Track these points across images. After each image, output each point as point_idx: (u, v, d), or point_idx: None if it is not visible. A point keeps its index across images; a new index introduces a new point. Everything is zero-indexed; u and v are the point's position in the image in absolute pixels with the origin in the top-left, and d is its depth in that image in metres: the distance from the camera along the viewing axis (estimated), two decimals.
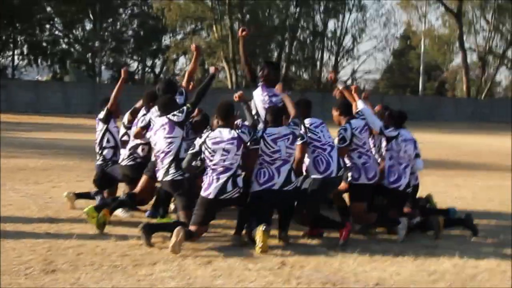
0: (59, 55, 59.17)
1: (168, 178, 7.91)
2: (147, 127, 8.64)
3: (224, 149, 7.50)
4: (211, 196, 7.46)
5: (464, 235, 8.60)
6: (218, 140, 7.54)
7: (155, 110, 8.60)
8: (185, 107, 8.12)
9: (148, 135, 8.41)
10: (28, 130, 27.13)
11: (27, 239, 7.62)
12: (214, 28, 55.87)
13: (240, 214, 7.84)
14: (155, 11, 55.08)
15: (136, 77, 64.73)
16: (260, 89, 8.65)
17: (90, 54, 59.09)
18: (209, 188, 7.49)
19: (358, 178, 8.42)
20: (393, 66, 70.50)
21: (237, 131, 7.61)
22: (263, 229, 7.32)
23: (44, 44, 58.38)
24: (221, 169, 7.50)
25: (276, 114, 7.97)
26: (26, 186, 11.68)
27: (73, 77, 56.26)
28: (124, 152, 9.15)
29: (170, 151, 7.92)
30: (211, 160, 7.53)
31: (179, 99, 8.64)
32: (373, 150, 9.03)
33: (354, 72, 66.48)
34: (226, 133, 7.57)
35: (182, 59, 66.56)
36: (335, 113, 8.71)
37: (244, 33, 9.04)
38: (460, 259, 7.24)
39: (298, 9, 59.36)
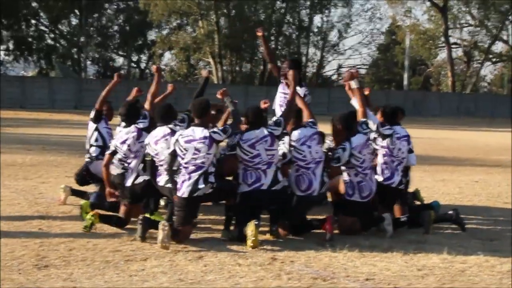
0: (45, 50, 58.90)
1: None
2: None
3: (195, 148, 7.48)
4: (185, 195, 7.49)
5: (452, 231, 8.69)
6: (190, 138, 7.55)
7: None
8: (185, 116, 8.20)
9: (148, 141, 8.13)
10: (15, 126, 27.04)
11: (19, 235, 7.65)
12: (200, 23, 55.78)
13: (227, 209, 7.89)
14: (141, 6, 54.86)
15: (122, 72, 64.53)
16: (280, 87, 8.73)
17: (75, 49, 58.87)
18: (182, 187, 7.52)
19: (351, 195, 8.31)
20: (378, 61, 70.68)
21: (209, 130, 7.59)
22: (255, 223, 7.37)
23: (30, 39, 58.10)
24: (193, 167, 7.49)
25: (254, 116, 7.87)
26: (16, 182, 11.68)
27: (59, 73, 56.04)
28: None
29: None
30: (182, 159, 7.54)
31: (143, 123, 8.38)
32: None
33: (340, 67, 66.61)
34: (198, 132, 7.56)
35: (167, 55, 66.52)
36: (338, 126, 8.62)
37: (260, 33, 9.04)
38: (448, 254, 7.31)
39: (284, 4, 59.38)
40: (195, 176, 7.49)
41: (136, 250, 7.09)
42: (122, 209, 8.32)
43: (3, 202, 9.64)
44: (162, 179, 7.98)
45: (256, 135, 7.73)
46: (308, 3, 61.11)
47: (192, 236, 7.85)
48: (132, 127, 8.34)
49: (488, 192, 12.39)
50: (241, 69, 61.83)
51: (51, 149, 16.19)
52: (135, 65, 67.57)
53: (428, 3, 60.73)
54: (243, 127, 8.01)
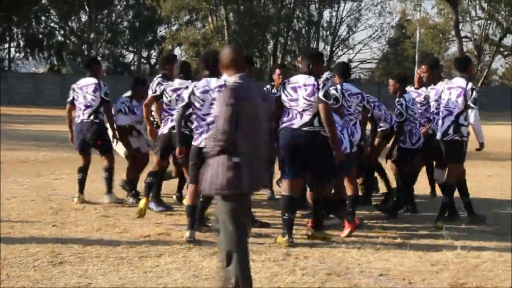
0: (55, 47, 59.03)
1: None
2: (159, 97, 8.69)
3: (212, 98, 7.45)
4: (202, 145, 7.25)
5: (465, 225, 8.67)
6: (206, 89, 7.54)
7: (178, 82, 8.52)
8: None
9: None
10: (27, 123, 27.12)
11: (33, 231, 7.70)
12: (210, 19, 55.73)
13: None
14: (150, 2, 54.87)
15: (132, 68, 64.62)
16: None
17: (85, 45, 58.97)
18: (199, 138, 7.49)
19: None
20: (389, 55, 70.46)
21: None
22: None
23: (40, 36, 58.24)
24: (211, 118, 7.32)
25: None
26: (29, 179, 11.73)
27: (70, 69, 56.15)
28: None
29: None
30: (200, 110, 7.52)
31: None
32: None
33: (349, 61, 66.48)
34: (213, 82, 7.54)
35: (177, 50, 66.51)
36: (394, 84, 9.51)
37: None
38: (462, 249, 7.30)
39: None
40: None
41: (150, 247, 7.11)
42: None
43: (17, 199, 9.68)
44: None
45: (297, 80, 7.63)
46: None
47: (207, 232, 7.87)
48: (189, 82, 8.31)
49: (503, 186, 12.34)
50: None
51: (64, 146, 16.17)
52: (145, 61, 67.63)
53: None
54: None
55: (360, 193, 9.27)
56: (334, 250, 7.17)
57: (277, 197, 10.04)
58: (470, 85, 8.66)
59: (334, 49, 62.85)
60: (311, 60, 7.70)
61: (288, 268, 6.46)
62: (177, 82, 8.60)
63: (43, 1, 56.94)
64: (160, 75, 9.17)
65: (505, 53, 65.70)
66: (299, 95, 7.52)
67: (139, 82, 10.31)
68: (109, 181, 9.66)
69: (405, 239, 7.79)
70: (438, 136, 8.72)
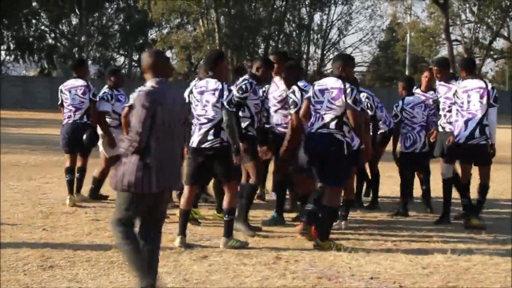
0: (46, 50, 58.91)
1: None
2: None
3: (206, 100, 7.51)
4: (193, 145, 7.46)
5: (455, 228, 8.70)
6: (203, 89, 7.57)
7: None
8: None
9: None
10: (18, 126, 27.02)
11: (23, 235, 7.67)
12: (201, 22, 55.73)
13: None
14: (141, 5, 54.82)
15: (123, 71, 64.53)
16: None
17: (76, 49, 58.85)
18: (193, 137, 7.54)
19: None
20: (379, 58, 70.64)
21: (224, 83, 7.50)
22: None
23: (31, 39, 58.10)
24: (204, 120, 7.45)
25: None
26: (19, 182, 11.69)
27: (60, 72, 56.03)
28: None
29: None
30: (195, 110, 7.57)
31: None
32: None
33: None
34: (212, 84, 7.53)
35: (168, 54, 66.39)
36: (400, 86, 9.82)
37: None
38: (453, 252, 7.32)
39: (284, 2, 59.32)
40: (205, 127, 7.45)
41: None
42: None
43: (7, 203, 9.65)
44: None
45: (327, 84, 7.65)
46: (308, 1, 61.07)
47: (197, 235, 7.87)
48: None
49: (493, 189, 12.34)
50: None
51: (54, 149, 16.15)
52: (136, 64, 67.54)
53: (428, 1, 60.68)
54: None
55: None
56: (325, 254, 7.17)
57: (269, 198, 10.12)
58: (490, 85, 8.79)
59: (325, 52, 62.98)
60: (343, 63, 7.66)
61: (279, 272, 6.46)
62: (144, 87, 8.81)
63: (33, 4, 56.82)
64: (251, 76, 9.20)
65: (495, 56, 65.94)
66: (325, 97, 7.54)
67: (116, 72, 10.70)
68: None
69: (396, 242, 7.80)
70: (461, 140, 8.68)
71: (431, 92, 9.82)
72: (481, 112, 8.60)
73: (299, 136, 8.16)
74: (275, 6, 58.53)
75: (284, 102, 8.64)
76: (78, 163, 9.96)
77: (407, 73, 60.24)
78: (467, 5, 60.51)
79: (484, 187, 8.91)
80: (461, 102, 8.73)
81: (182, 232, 7.44)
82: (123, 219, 5.39)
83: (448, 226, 8.78)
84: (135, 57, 66.65)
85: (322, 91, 7.56)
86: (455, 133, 8.78)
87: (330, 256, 7.07)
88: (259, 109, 8.32)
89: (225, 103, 7.39)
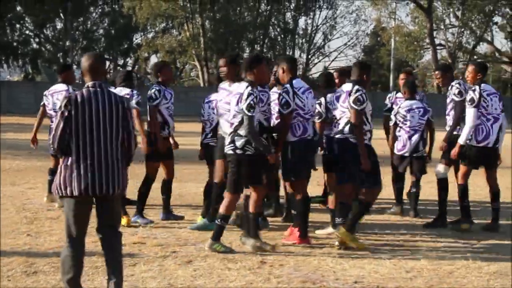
0: (30, 55, 58.64)
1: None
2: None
3: (227, 102, 7.71)
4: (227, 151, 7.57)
5: (439, 233, 8.74)
6: (228, 92, 7.80)
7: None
8: None
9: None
10: (1, 131, 26.84)
11: (7, 241, 7.63)
12: (186, 27, 55.70)
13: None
14: (126, 9, 54.70)
15: (108, 76, 64.27)
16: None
17: (61, 53, 58.61)
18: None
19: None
20: (367, 62, 70.89)
21: (250, 89, 7.32)
22: None
23: (15, 44, 57.80)
24: (228, 124, 7.64)
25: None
26: (3, 188, 11.62)
27: (45, 77, 55.76)
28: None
29: None
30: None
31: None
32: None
33: (325, 69, 66.74)
34: (238, 87, 7.48)
35: (153, 58, 66.35)
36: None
37: None
38: (436, 256, 7.37)
39: (269, 7, 59.41)
40: (230, 131, 7.48)
41: (125, 256, 7.04)
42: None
43: None
44: None
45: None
46: (293, 5, 61.19)
47: (181, 240, 7.88)
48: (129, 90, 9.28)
49: (475, 193, 12.42)
50: None
51: (38, 154, 16.05)
52: (121, 69, 67.41)
53: (412, 5, 60.96)
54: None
55: None
56: (309, 258, 7.20)
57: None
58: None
59: (310, 56, 63.08)
60: (362, 70, 7.95)
61: (263, 276, 6.48)
62: (117, 90, 9.02)
63: (18, 9, 56.53)
64: (156, 82, 9.19)
65: (479, 60, 66.36)
66: (338, 103, 7.82)
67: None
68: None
69: (379, 246, 7.84)
70: (490, 144, 8.77)
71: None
72: (501, 116, 8.84)
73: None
74: (260, 11, 58.61)
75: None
76: (51, 163, 10.30)
77: (391, 77, 60.54)
78: (451, 10, 60.86)
79: (498, 193, 9.05)
80: (487, 106, 8.76)
81: (217, 238, 7.41)
82: (65, 227, 5.51)
83: (432, 230, 8.82)
84: (120, 62, 66.55)
85: (337, 98, 7.85)
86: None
87: (315, 261, 7.10)
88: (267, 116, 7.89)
89: (244, 108, 7.28)
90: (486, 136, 8.72)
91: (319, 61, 65.95)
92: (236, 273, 6.56)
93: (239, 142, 7.33)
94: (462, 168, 8.90)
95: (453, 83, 8.98)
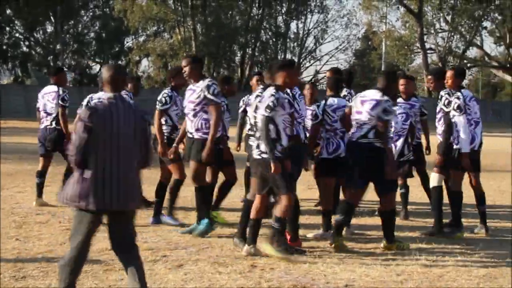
0: (20, 58, 58.52)
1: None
2: None
3: (191, 101, 7.89)
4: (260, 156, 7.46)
5: (430, 237, 8.75)
6: (192, 91, 7.93)
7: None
8: None
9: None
10: None
11: None
12: (177, 30, 55.73)
13: None
14: (117, 13, 54.69)
15: (98, 79, 64.20)
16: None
17: (51, 57, 58.51)
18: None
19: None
20: (355, 66, 71.07)
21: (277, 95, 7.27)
22: None
23: (5, 47, 57.65)
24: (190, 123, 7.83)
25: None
26: None
27: (35, 80, 55.63)
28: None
29: None
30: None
31: None
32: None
33: (317, 72, 66.85)
34: (267, 92, 7.37)
35: (144, 61, 66.35)
36: None
37: None
38: (426, 259, 7.37)
39: (260, 11, 59.51)
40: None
41: (115, 260, 7.00)
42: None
43: None
44: None
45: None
46: (285, 9, 61.33)
47: (172, 244, 7.85)
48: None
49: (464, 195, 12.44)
50: (218, 75, 61.90)
51: (28, 158, 16.02)
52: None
53: (402, 10, 61.17)
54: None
55: None
56: (300, 262, 7.17)
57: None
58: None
59: (301, 60, 63.21)
60: (390, 80, 8.03)
61: (254, 280, 6.46)
62: (100, 94, 9.24)
63: (8, 12, 56.38)
64: (169, 87, 9.23)
65: (469, 65, 66.59)
66: (364, 108, 7.81)
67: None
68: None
69: (370, 249, 7.83)
70: (476, 147, 8.82)
71: (414, 99, 9.96)
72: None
73: None
74: (251, 14, 58.72)
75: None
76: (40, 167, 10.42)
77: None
78: (441, 15, 61.11)
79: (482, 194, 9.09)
80: (472, 112, 8.82)
81: (253, 240, 7.37)
82: (70, 236, 5.35)
83: (423, 234, 8.81)
84: None
85: (363, 102, 7.85)
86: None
87: (305, 264, 7.08)
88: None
89: (262, 107, 7.23)
90: (472, 140, 8.74)
91: (311, 65, 66.17)
92: (227, 277, 6.53)
93: (263, 146, 7.25)
94: (457, 175, 8.87)
95: (442, 93, 8.96)
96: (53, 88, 10.32)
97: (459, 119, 8.62)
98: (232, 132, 9.89)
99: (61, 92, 10.17)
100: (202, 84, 8.22)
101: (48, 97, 10.30)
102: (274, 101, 7.17)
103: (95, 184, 5.12)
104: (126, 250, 5.37)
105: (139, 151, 5.33)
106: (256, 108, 7.40)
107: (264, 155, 7.24)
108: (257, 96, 7.51)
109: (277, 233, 7.28)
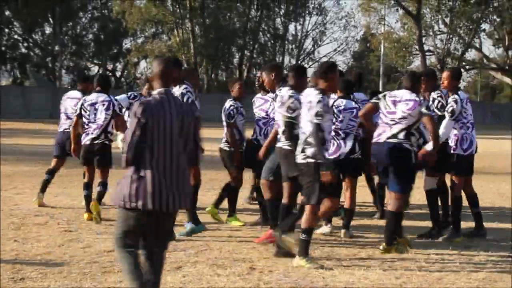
0: (19, 59, 58.51)
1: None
2: None
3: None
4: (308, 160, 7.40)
5: (429, 240, 8.74)
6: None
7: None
8: None
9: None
10: None
11: None
12: (176, 32, 55.73)
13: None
14: (115, 14, 54.70)
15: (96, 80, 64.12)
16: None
17: (50, 58, 58.51)
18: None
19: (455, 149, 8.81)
20: (354, 68, 71.14)
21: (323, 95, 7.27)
22: None
23: (3, 48, 57.65)
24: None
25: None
26: None
27: (33, 82, 55.63)
28: None
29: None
30: None
31: None
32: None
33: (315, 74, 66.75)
34: (310, 95, 7.36)
35: (143, 63, 66.36)
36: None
37: None
38: (426, 262, 7.37)
39: (259, 13, 59.52)
40: None
41: (113, 262, 7.02)
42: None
43: None
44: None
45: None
46: (283, 11, 61.35)
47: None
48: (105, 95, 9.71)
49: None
50: (216, 77, 61.94)
51: (26, 159, 16.03)
52: (110, 74, 67.33)
53: (401, 12, 61.19)
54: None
55: None
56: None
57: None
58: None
59: (299, 62, 63.17)
60: (415, 80, 8.06)
61: (253, 283, 6.45)
62: (94, 96, 9.56)
63: (6, 13, 56.39)
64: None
65: (467, 67, 66.64)
66: (398, 108, 7.80)
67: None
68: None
69: (369, 252, 7.82)
70: (473, 151, 8.81)
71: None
72: None
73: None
74: (250, 16, 58.71)
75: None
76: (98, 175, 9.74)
77: (380, 82, 60.79)
78: (440, 17, 61.08)
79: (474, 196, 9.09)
80: (469, 114, 8.79)
81: (304, 253, 7.20)
82: (119, 235, 5.14)
83: (422, 237, 8.79)
84: (109, 67, 66.51)
85: (394, 102, 7.83)
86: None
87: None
88: None
89: (312, 115, 7.19)
90: (470, 144, 8.72)
91: (309, 67, 66.07)
92: (226, 279, 6.52)
93: (309, 151, 7.20)
94: (458, 179, 8.82)
95: (434, 95, 8.89)
96: (78, 94, 10.51)
97: (448, 122, 8.54)
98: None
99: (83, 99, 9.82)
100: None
101: (70, 102, 10.56)
102: (323, 107, 7.17)
103: (153, 183, 4.95)
104: (160, 245, 5.27)
105: (189, 148, 5.21)
106: (293, 109, 7.56)
107: (310, 160, 7.16)
108: (290, 96, 7.63)
109: (306, 244, 7.18)
